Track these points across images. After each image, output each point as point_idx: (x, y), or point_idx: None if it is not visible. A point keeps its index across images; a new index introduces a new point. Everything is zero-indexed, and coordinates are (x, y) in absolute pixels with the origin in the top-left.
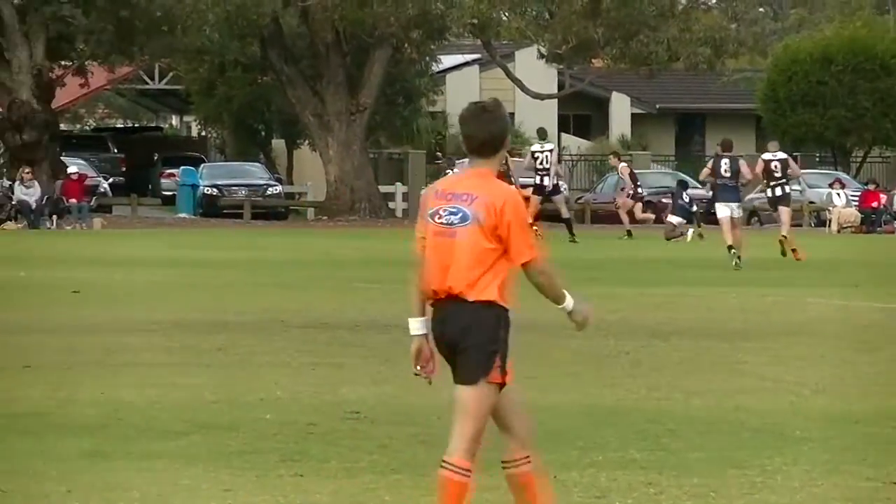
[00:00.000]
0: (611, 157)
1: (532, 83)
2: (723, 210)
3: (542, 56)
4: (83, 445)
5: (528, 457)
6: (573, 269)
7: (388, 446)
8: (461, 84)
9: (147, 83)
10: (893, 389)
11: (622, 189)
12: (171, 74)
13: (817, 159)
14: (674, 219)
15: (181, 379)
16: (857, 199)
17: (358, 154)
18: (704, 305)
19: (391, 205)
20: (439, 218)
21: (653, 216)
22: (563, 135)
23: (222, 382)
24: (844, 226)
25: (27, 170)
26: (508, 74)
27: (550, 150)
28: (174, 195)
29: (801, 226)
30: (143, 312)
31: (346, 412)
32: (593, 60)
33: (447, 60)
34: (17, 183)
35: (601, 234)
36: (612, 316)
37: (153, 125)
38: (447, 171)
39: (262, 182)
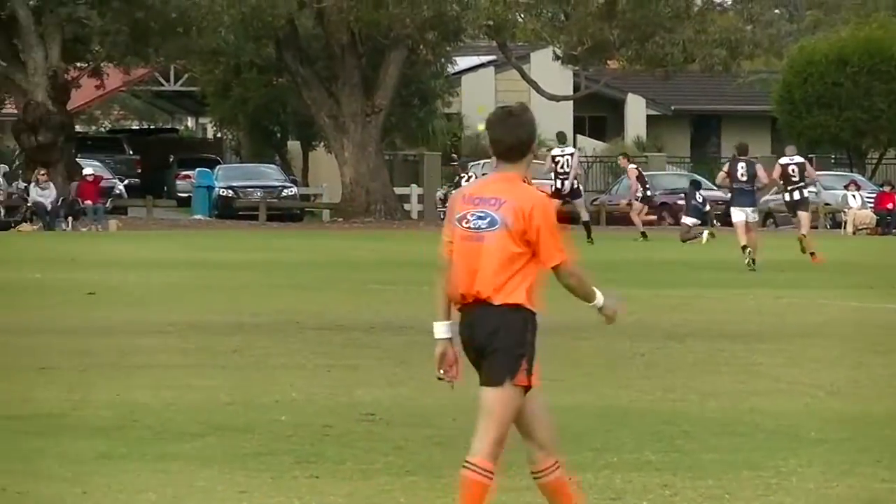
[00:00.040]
0: (620, 158)
1: (547, 85)
2: (738, 215)
3: (557, 57)
4: (98, 447)
5: (556, 463)
6: (589, 270)
7: (403, 448)
8: (476, 85)
9: (162, 85)
10: None
11: (636, 191)
12: (186, 76)
13: (833, 161)
14: (688, 220)
15: (196, 381)
16: (872, 200)
17: (373, 156)
18: (720, 307)
19: (406, 206)
20: (466, 223)
21: (653, 217)
22: (579, 136)
23: (238, 384)
24: (860, 227)
25: (42, 171)
26: (524, 76)
27: (571, 154)
28: (189, 197)
29: (816, 227)
30: (159, 314)
31: (361, 414)
32: (609, 62)
33: (462, 62)
34: (32, 184)
35: (616, 236)
36: (628, 317)
37: (169, 127)
38: (461, 173)
39: (277, 184)
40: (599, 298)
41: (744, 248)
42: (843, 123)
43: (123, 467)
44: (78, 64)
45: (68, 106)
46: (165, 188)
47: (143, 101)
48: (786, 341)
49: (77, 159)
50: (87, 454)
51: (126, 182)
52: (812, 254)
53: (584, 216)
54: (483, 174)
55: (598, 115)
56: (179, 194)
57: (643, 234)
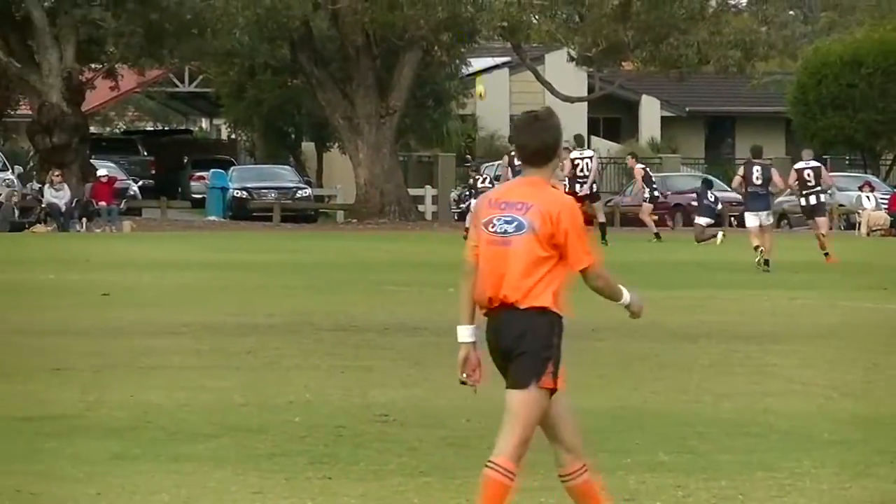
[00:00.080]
0: (628, 158)
1: (562, 86)
2: (752, 220)
3: (571, 59)
4: (112, 448)
5: (584, 466)
6: None
7: (417, 449)
8: (491, 87)
9: (177, 86)
10: None
11: (643, 192)
12: (200, 77)
13: (847, 162)
14: (702, 220)
15: (210, 382)
16: (886, 201)
17: (387, 157)
18: (734, 308)
19: (421, 208)
20: (492, 227)
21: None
22: (593, 138)
23: (251, 385)
24: (874, 228)
25: (57, 172)
26: (538, 77)
27: (591, 158)
28: (204, 198)
29: (831, 229)
30: (173, 315)
31: (375, 415)
32: (623, 63)
33: (477, 63)
34: (46, 186)
35: (630, 237)
36: (641, 318)
37: (183, 128)
38: (475, 174)
39: (291, 185)
40: (626, 296)
41: (756, 247)
42: (857, 125)
43: (137, 468)
44: (92, 65)
45: (83, 107)
46: (180, 189)
47: (158, 103)
48: (800, 342)
49: (91, 160)
50: (100, 455)
51: (140, 183)
52: (826, 254)
53: (601, 217)
54: (496, 175)
55: (612, 117)
56: (194, 195)
57: (657, 235)
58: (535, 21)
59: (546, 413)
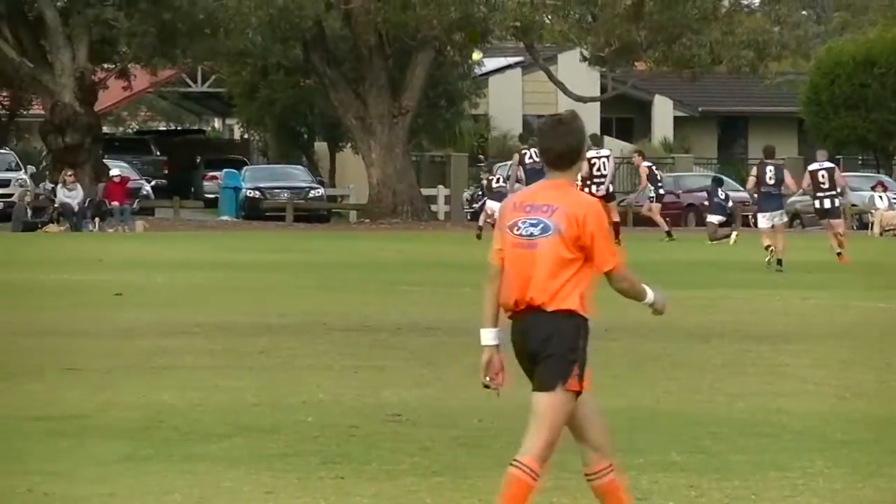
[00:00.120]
0: (634, 156)
1: (574, 86)
2: (764, 222)
3: (584, 59)
4: (124, 448)
5: (610, 466)
6: None
7: (429, 449)
8: (503, 87)
9: (190, 86)
10: None
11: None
12: (213, 77)
13: (860, 162)
14: (714, 218)
15: (223, 382)
16: None
17: (400, 157)
18: (746, 308)
19: (433, 207)
20: (518, 230)
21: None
22: (606, 138)
23: (264, 385)
24: (887, 228)
25: (70, 172)
26: (551, 77)
27: (607, 157)
28: (216, 198)
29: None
30: (185, 315)
31: (387, 415)
32: (636, 63)
33: (490, 63)
34: (59, 185)
35: (643, 237)
36: (654, 318)
37: (196, 128)
38: (488, 175)
39: (304, 185)
40: (650, 295)
41: (767, 247)
42: (870, 125)
43: (150, 468)
44: (105, 65)
45: (95, 107)
46: (192, 189)
47: (171, 103)
48: (813, 342)
49: (104, 160)
50: (113, 455)
51: (153, 183)
52: (839, 254)
53: (615, 217)
54: (507, 176)
55: (625, 117)
56: (206, 195)
57: (668, 234)
58: (547, 21)
59: (573, 414)
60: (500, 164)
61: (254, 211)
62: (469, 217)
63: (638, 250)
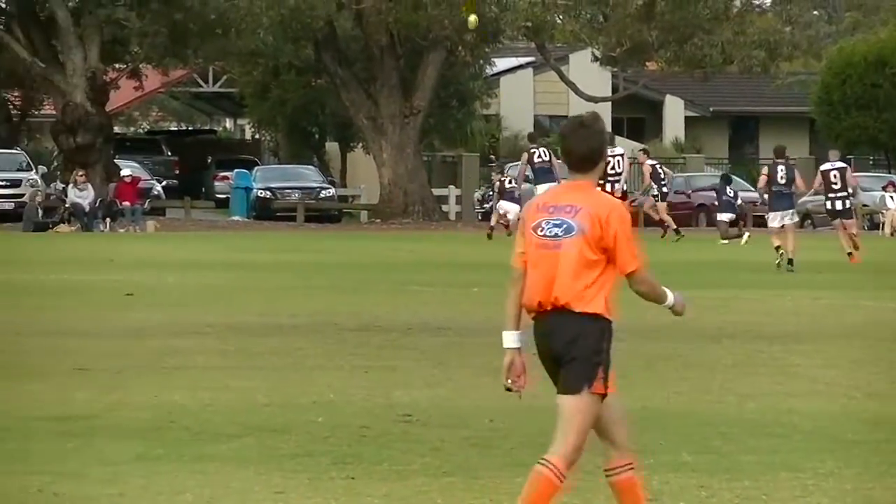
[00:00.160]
0: (639, 153)
1: (586, 86)
2: (775, 220)
3: (596, 59)
4: (135, 448)
5: (629, 463)
6: None
7: (440, 449)
8: (515, 87)
9: (201, 86)
10: None
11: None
12: (224, 77)
13: (871, 162)
14: (723, 216)
15: (234, 382)
16: None
17: (411, 157)
18: (757, 308)
19: (444, 208)
20: (541, 231)
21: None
22: (617, 138)
23: (275, 385)
24: None
25: (81, 172)
26: (562, 77)
27: (621, 155)
28: (228, 198)
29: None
30: (196, 315)
31: (398, 415)
32: (647, 63)
33: (501, 63)
34: (70, 185)
35: (654, 237)
36: (664, 318)
37: (207, 128)
38: (500, 176)
39: (315, 185)
40: (670, 298)
41: (777, 248)
42: (881, 125)
43: (160, 468)
44: (116, 65)
45: (107, 107)
46: (203, 189)
47: (182, 103)
48: (824, 343)
49: (115, 160)
50: (124, 455)
51: (164, 183)
52: (850, 254)
53: None
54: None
55: (636, 117)
56: (217, 195)
57: (676, 231)
58: (559, 21)
59: (599, 416)
60: (511, 164)
61: (265, 211)
62: (480, 217)
63: (649, 251)
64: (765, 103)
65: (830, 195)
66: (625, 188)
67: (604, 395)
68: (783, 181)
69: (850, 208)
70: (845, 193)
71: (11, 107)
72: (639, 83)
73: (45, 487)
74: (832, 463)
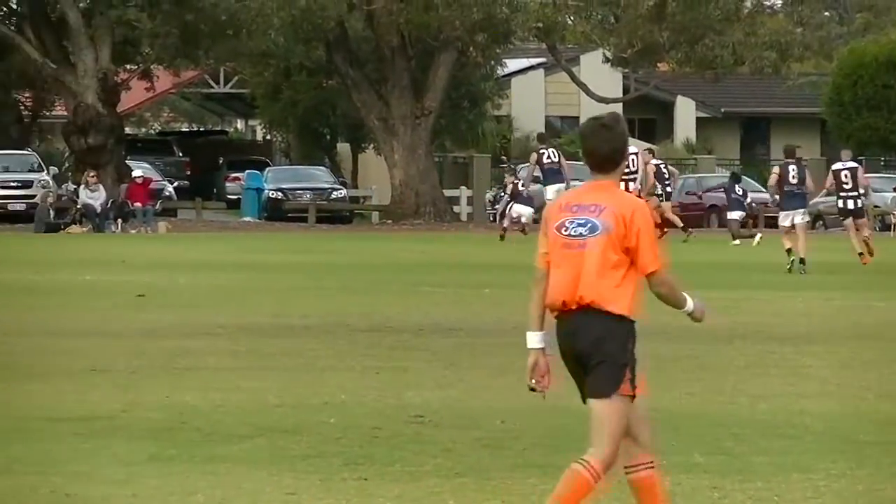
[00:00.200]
0: (644, 153)
1: (597, 87)
2: (785, 220)
3: (607, 60)
4: (148, 449)
5: (651, 462)
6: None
7: (452, 450)
8: (526, 88)
9: (212, 87)
10: None
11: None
12: (236, 78)
13: (882, 163)
14: (734, 214)
15: (245, 382)
16: None
17: (423, 158)
18: (769, 309)
19: (456, 209)
20: (565, 230)
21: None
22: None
23: (286, 386)
24: None
25: (92, 173)
26: (573, 78)
27: (636, 154)
28: (239, 199)
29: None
30: (208, 316)
31: (410, 416)
32: (658, 64)
33: (512, 64)
34: (82, 186)
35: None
36: (675, 319)
37: (218, 129)
38: (512, 178)
39: (327, 186)
40: (690, 304)
41: (788, 250)
42: (892, 126)
43: (172, 469)
44: (128, 66)
45: (118, 108)
46: (215, 190)
47: (193, 104)
48: (835, 344)
49: (127, 161)
50: (136, 456)
51: (175, 184)
52: (861, 254)
53: None
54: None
55: (647, 118)
56: (229, 196)
57: (684, 230)
58: (570, 22)
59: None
60: (523, 165)
61: (276, 212)
62: (492, 218)
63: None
64: (776, 104)
65: (842, 194)
66: (639, 187)
67: (633, 397)
68: (795, 181)
69: (861, 207)
70: (856, 193)
71: (23, 108)
72: (650, 84)
73: (58, 488)
74: (844, 464)
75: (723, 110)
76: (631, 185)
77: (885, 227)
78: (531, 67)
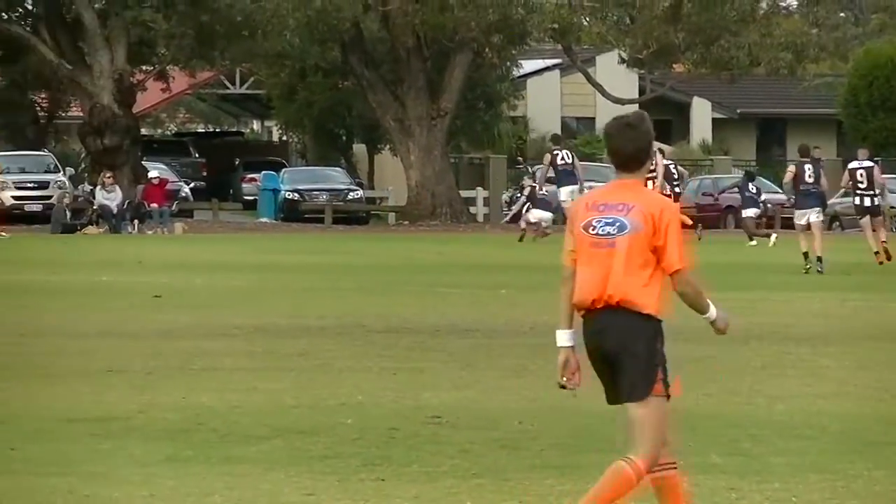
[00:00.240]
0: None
1: (613, 88)
2: (801, 218)
3: (622, 61)
4: (164, 450)
5: (673, 462)
6: None
7: (469, 451)
8: (542, 89)
9: (228, 88)
10: None
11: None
12: (251, 79)
13: None
14: (748, 212)
15: (262, 384)
16: None
17: (439, 159)
18: (785, 310)
19: (472, 209)
20: (593, 229)
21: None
22: None
23: (303, 387)
24: None
25: (108, 174)
26: (589, 79)
27: (655, 153)
28: (255, 200)
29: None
30: (225, 317)
31: (427, 417)
32: (674, 65)
33: (528, 65)
34: (98, 187)
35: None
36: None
37: (234, 130)
38: (532, 182)
39: (343, 187)
40: (713, 311)
41: (805, 254)
42: None
43: (190, 470)
44: (143, 67)
45: (134, 109)
46: (231, 191)
47: (209, 105)
48: (852, 344)
49: (143, 162)
50: (153, 457)
51: (192, 185)
52: (876, 253)
53: None
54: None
55: (663, 119)
56: (245, 197)
57: (693, 227)
58: (585, 23)
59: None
60: (538, 166)
61: (292, 213)
62: (508, 220)
63: None
64: (792, 105)
65: (858, 192)
66: (661, 186)
67: (668, 396)
68: (811, 180)
69: (878, 205)
70: (872, 192)
71: (38, 108)
72: (666, 85)
73: (76, 489)
74: (862, 465)
75: (739, 111)
76: (649, 183)
77: None
78: (547, 68)
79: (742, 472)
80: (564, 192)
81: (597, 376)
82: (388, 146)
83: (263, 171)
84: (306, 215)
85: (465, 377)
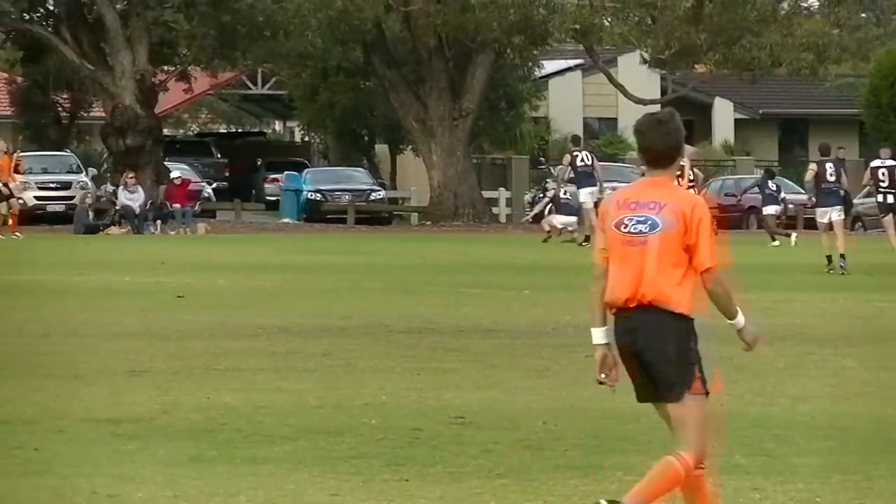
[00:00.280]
0: None
1: (635, 88)
2: (823, 216)
3: (644, 61)
4: (188, 450)
5: (702, 463)
6: None
7: (493, 451)
8: (564, 89)
9: (250, 88)
10: None
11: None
12: (273, 80)
13: None
14: (769, 209)
15: (286, 384)
16: None
17: (461, 159)
18: (808, 310)
19: (494, 210)
20: (625, 227)
21: None
22: None
23: (327, 387)
24: None
25: (131, 175)
26: (611, 80)
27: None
28: (278, 200)
29: None
30: (248, 317)
31: (450, 417)
32: (696, 66)
33: (550, 66)
34: (120, 188)
35: None
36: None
37: (256, 130)
38: (554, 183)
39: (365, 187)
40: (740, 319)
41: (828, 258)
42: None
43: (214, 470)
44: (165, 67)
45: (156, 109)
46: (254, 191)
47: (231, 105)
48: (875, 345)
49: (165, 162)
50: (177, 457)
51: (214, 185)
52: None
53: None
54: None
55: (685, 119)
56: (268, 198)
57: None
58: (607, 24)
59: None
60: (559, 167)
61: (315, 213)
62: (531, 220)
63: None
64: (814, 105)
65: (881, 190)
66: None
67: (707, 393)
68: (832, 178)
69: None
70: (895, 190)
71: (61, 109)
72: (688, 85)
73: (100, 489)
74: (885, 465)
75: (761, 112)
76: (679, 181)
77: None
78: (569, 69)
79: (766, 473)
80: (584, 194)
81: (626, 374)
82: (410, 146)
83: (286, 172)
84: (329, 216)
85: (489, 377)
